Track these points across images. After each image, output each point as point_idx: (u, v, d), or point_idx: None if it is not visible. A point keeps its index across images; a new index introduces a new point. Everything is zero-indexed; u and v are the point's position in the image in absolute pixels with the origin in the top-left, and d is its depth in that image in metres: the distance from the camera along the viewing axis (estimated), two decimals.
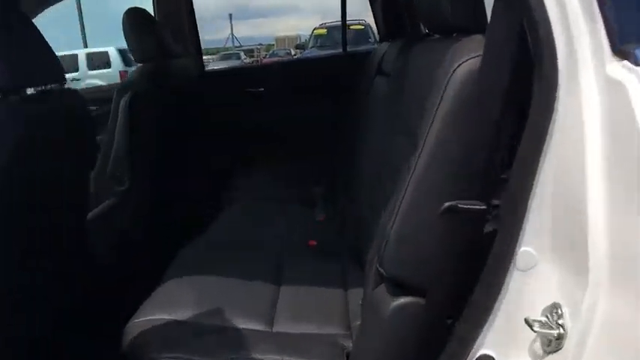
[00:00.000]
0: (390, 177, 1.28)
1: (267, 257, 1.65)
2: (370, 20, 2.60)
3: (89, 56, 13.60)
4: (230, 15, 40.42)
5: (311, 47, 11.94)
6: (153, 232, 2.17)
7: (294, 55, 17.01)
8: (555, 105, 0.75)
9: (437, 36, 1.37)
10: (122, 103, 2.01)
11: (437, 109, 0.96)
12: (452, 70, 0.94)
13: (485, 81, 0.90)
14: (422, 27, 1.93)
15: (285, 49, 20.63)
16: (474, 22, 1.06)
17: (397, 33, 2.10)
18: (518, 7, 0.81)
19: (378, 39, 2.88)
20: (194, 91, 2.57)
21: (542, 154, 0.77)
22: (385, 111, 1.59)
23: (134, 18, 2.14)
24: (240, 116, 2.80)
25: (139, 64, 2.26)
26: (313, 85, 2.83)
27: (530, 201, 0.79)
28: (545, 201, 0.78)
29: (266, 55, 22.59)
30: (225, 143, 2.74)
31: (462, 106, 0.94)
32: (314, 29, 12.43)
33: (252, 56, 24.47)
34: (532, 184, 0.78)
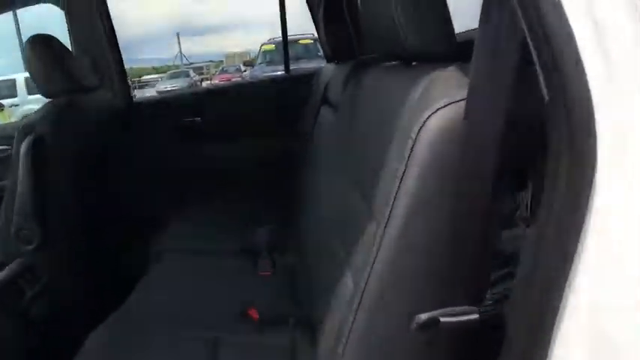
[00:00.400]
0: (341, 239, 1.03)
1: (198, 337, 1.35)
2: None
3: (28, 80, 12.97)
4: (177, 34, 39.99)
5: (259, 63, 11.76)
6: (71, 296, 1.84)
7: (244, 71, 16.80)
8: (592, 192, 0.50)
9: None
10: (23, 147, 1.68)
11: (402, 177, 0.69)
12: (420, 123, 0.68)
13: (472, 138, 0.64)
14: None
15: (235, 66, 20.37)
16: (441, 48, 0.82)
17: (344, 54, 1.84)
18: (520, 22, 0.56)
19: None
20: (118, 126, 2.26)
21: (572, 263, 0.51)
22: (332, 153, 1.33)
23: (39, 47, 1.80)
24: (172, 151, 2.50)
25: (47, 100, 1.93)
26: (255, 113, 2.56)
27: (553, 329, 0.53)
28: (576, 328, 0.52)
29: (215, 72, 22.22)
30: (155, 185, 2.42)
31: (437, 175, 0.68)
32: (262, 45, 12.24)
33: (202, 74, 24.11)
34: (557, 306, 0.52)
